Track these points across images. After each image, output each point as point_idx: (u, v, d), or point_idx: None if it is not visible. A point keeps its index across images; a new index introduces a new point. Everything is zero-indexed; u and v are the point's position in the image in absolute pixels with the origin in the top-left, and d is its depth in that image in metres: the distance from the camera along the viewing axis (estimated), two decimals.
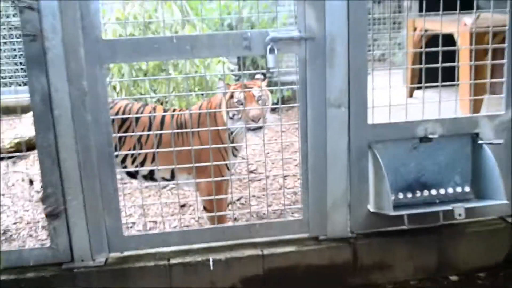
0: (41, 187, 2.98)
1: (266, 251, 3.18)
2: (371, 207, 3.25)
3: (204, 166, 3.69)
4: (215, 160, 3.59)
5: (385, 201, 3.12)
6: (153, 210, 4.61)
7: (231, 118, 3.58)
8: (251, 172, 5.53)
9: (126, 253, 3.18)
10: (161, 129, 3.78)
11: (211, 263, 3.13)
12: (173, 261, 3.12)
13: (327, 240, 3.26)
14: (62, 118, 2.88)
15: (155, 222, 4.34)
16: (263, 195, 4.90)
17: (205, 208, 3.86)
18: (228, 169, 3.76)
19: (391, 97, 3.16)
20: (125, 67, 5.22)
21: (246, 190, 4.94)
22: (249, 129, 3.55)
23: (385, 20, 8.20)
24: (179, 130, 3.74)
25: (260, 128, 3.55)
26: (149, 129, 3.77)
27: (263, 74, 3.73)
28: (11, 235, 4.15)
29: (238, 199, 4.77)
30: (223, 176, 3.70)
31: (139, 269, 3.08)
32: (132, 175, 3.93)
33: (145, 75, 5.35)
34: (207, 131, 3.62)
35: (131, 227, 4.26)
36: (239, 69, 6.53)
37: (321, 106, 3.07)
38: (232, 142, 3.70)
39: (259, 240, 3.27)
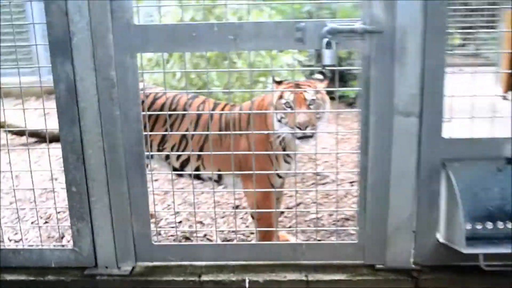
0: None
1: (311, 277, 2.75)
2: (440, 237, 2.72)
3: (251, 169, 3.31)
4: (263, 166, 3.20)
5: (457, 233, 2.58)
6: (204, 209, 4.28)
7: (279, 121, 3.15)
8: (317, 174, 5.07)
9: (154, 263, 2.86)
10: (209, 125, 3.41)
11: (246, 284, 2.74)
12: (204, 277, 2.76)
13: (385, 270, 2.76)
14: (87, 112, 2.59)
15: (202, 223, 4.01)
16: (325, 202, 4.44)
17: (253, 217, 3.47)
18: (280, 177, 3.33)
19: (477, 105, 2.60)
20: (187, 54, 4.90)
21: (307, 195, 4.51)
22: (296, 137, 3.10)
23: (483, 11, 7.35)
24: (225, 132, 3.33)
25: (308, 137, 3.07)
26: (196, 125, 3.43)
27: (323, 73, 3.24)
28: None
29: (298, 205, 4.34)
30: (272, 184, 3.28)
31: (166, 283, 2.76)
32: (181, 168, 3.60)
33: (208, 63, 5.01)
34: (256, 132, 3.23)
35: (175, 226, 3.96)
36: (316, 62, 6.05)
37: (387, 113, 2.57)
38: (284, 148, 3.27)
39: (304, 263, 2.83)
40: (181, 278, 2.75)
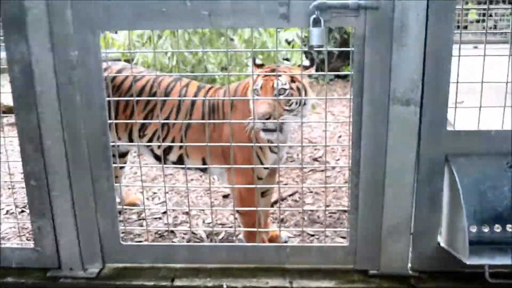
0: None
1: (296, 283, 2.47)
2: (441, 241, 2.43)
3: (236, 159, 3.02)
4: (245, 156, 2.91)
5: (460, 239, 2.28)
6: (192, 198, 4.01)
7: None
8: (315, 160, 4.76)
9: (124, 265, 2.60)
10: (191, 111, 3.11)
11: None
12: (178, 282, 2.50)
13: (378, 276, 2.48)
14: (45, 96, 2.30)
15: (187, 213, 3.74)
16: (323, 191, 4.14)
17: (237, 211, 3.18)
18: (264, 167, 3.03)
19: (489, 90, 2.28)
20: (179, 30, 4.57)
21: (304, 182, 4.20)
22: (260, 129, 2.80)
23: None
24: (199, 121, 3.03)
25: (271, 130, 2.76)
26: (178, 110, 3.13)
27: (311, 58, 2.91)
28: None
29: (291, 195, 4.05)
30: (256, 176, 2.99)
31: (135, 287, 2.49)
32: (160, 159, 3.32)
33: (201, 39, 4.69)
34: (239, 116, 2.93)
35: (159, 217, 3.70)
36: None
37: (383, 101, 2.26)
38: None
39: (289, 267, 2.56)
40: (151, 283, 2.49)
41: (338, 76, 7.89)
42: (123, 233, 3.40)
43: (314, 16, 2.14)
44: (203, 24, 2.23)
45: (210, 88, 3.21)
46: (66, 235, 2.50)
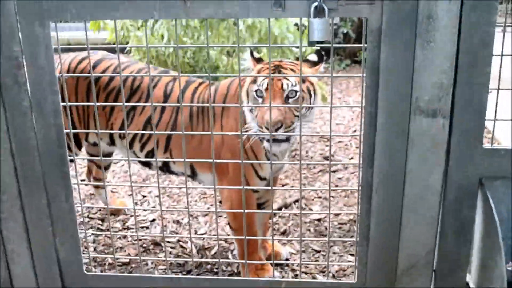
0: None
1: None
2: (471, 281, 1.99)
3: (226, 169, 2.60)
4: (239, 166, 2.48)
5: (496, 279, 1.85)
6: (184, 203, 3.60)
7: (250, 111, 2.41)
8: (326, 158, 4.30)
9: None
10: (177, 108, 2.68)
11: None
12: None
13: None
14: None
15: (179, 222, 3.33)
16: (333, 196, 3.69)
17: (230, 226, 2.77)
18: (261, 178, 2.60)
19: None
20: None
21: (312, 185, 3.75)
22: (263, 140, 2.36)
23: None
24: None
25: (280, 141, 2.32)
26: (162, 109, 2.71)
27: (319, 54, 2.44)
28: None
29: (297, 201, 3.61)
30: (250, 186, 2.57)
31: None
32: (146, 163, 2.90)
33: (201, 23, 4.23)
34: (231, 119, 2.51)
35: (147, 226, 3.30)
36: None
37: (402, 111, 1.81)
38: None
39: None
40: None
41: (355, 61, 7.34)
42: (103, 245, 3.06)
43: (316, 3, 1.68)
44: (177, 13, 1.78)
45: (200, 84, 2.76)
46: (20, 262, 2.11)
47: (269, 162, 2.11)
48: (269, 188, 2.22)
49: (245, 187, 2.30)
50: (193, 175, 2.79)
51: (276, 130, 2.21)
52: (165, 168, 2.83)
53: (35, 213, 2.04)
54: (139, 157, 2.88)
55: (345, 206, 3.53)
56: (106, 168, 3.38)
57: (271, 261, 2.63)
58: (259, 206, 2.87)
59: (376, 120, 1.83)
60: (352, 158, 4.27)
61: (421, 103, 1.78)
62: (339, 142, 4.54)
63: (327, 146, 4.50)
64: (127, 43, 4.46)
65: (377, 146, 1.85)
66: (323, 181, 3.89)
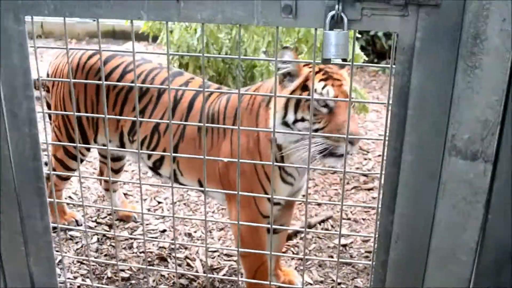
0: None
1: None
2: None
3: (235, 188, 2.31)
4: (248, 186, 2.21)
5: None
6: (201, 213, 3.33)
7: (285, 124, 2.11)
8: (364, 175, 3.94)
9: None
10: (187, 116, 2.42)
11: None
12: None
13: None
14: None
15: (190, 236, 3.07)
16: (364, 218, 3.35)
17: (240, 255, 2.48)
18: (276, 203, 2.30)
19: None
20: None
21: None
22: (327, 155, 2.05)
23: None
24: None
25: (341, 155, 2.08)
26: (172, 115, 2.45)
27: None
28: None
29: (324, 220, 3.29)
30: (260, 213, 2.28)
31: None
32: (155, 171, 2.66)
33: None
34: (243, 135, 2.23)
35: (156, 237, 3.05)
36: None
37: (434, 149, 1.47)
38: (282, 161, 2.25)
39: None
40: None
41: (383, 58, 6.79)
42: (106, 255, 2.84)
43: (333, 12, 1.36)
44: (169, 15, 1.49)
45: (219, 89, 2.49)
46: None
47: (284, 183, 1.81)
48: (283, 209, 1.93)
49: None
50: (203, 190, 2.52)
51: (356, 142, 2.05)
52: (174, 178, 2.57)
53: (6, 229, 1.81)
54: (147, 165, 2.64)
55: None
56: (118, 171, 3.15)
57: None
58: (273, 231, 2.58)
59: (401, 158, 1.49)
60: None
61: (458, 142, 1.43)
62: (379, 156, 4.17)
63: (365, 159, 4.14)
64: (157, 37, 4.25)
65: (400, 189, 1.52)
66: (355, 199, 3.54)
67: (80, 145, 2.27)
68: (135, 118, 1.73)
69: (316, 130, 2.07)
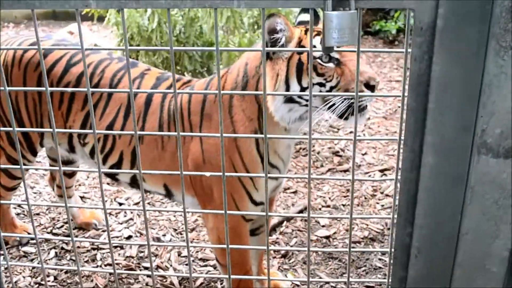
0: None
1: None
2: None
3: (211, 193, 2.04)
4: (229, 188, 1.94)
5: None
6: (167, 215, 3.03)
7: (288, 102, 1.86)
8: (336, 154, 3.71)
9: None
10: (145, 115, 2.10)
11: None
12: None
13: None
14: None
15: (159, 240, 2.78)
16: (344, 204, 3.13)
17: (217, 261, 2.21)
18: (256, 203, 2.04)
19: None
20: None
21: (320, 190, 3.16)
22: (350, 113, 1.81)
23: None
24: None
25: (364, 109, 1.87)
26: (127, 112, 2.13)
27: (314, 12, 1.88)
28: None
29: (302, 210, 3.04)
30: (243, 217, 2.03)
31: None
32: (113, 177, 2.33)
33: None
34: (214, 130, 1.95)
35: (121, 246, 2.74)
36: None
37: (460, 148, 1.22)
38: (268, 153, 1.99)
39: None
40: None
41: (367, 32, 6.58)
42: (66, 272, 2.51)
43: None
44: (121, 1, 1.17)
45: (176, 81, 2.17)
46: None
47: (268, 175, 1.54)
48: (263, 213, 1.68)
49: (233, 213, 1.76)
50: (169, 195, 2.23)
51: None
52: (135, 185, 2.26)
53: None
54: (107, 172, 2.32)
55: (358, 219, 2.96)
56: (72, 175, 2.80)
57: None
58: (253, 232, 2.32)
59: (420, 160, 1.24)
60: (365, 153, 3.68)
61: (489, 138, 1.19)
62: (350, 132, 3.94)
63: (336, 144, 3.90)
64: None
65: (420, 197, 1.27)
66: (332, 183, 3.31)
67: (25, 166, 1.93)
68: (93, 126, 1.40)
69: (330, 91, 1.81)
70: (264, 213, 1.46)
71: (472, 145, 1.21)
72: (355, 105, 1.24)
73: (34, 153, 2.47)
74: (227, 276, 1.56)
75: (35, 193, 3.16)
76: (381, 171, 3.42)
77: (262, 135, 1.35)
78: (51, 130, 1.38)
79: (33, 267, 2.56)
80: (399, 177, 1.28)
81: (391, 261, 1.40)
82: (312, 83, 1.81)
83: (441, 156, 1.23)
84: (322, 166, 3.52)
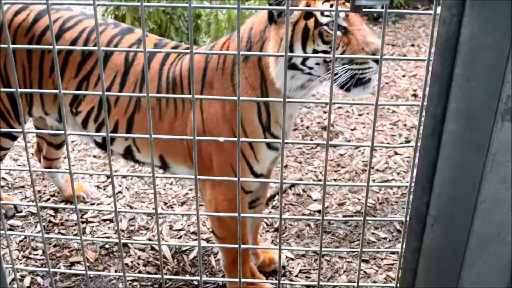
0: None
1: None
2: None
3: (210, 163, 1.99)
4: (225, 159, 1.90)
5: None
6: (160, 188, 2.98)
7: (302, 62, 1.79)
8: (324, 129, 3.69)
9: None
10: (142, 81, 2.03)
11: None
12: None
13: None
14: None
15: (150, 216, 2.73)
16: (335, 178, 3.13)
17: (214, 233, 2.17)
18: (256, 175, 2.00)
19: None
20: None
21: (310, 164, 3.14)
22: (353, 85, 1.77)
23: None
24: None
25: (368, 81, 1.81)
26: (124, 79, 2.06)
27: None
28: None
29: (292, 186, 3.02)
30: (242, 188, 1.99)
31: None
32: (104, 147, 2.27)
33: None
34: (216, 100, 1.90)
35: (111, 219, 2.68)
36: None
37: (483, 116, 1.19)
38: (267, 126, 1.95)
39: None
40: None
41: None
42: (56, 245, 2.44)
43: None
44: None
45: (174, 48, 2.10)
46: None
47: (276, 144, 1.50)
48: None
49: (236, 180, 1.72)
50: (165, 167, 2.17)
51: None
52: (129, 156, 2.20)
53: None
54: (95, 140, 2.25)
55: (350, 193, 2.96)
56: (59, 146, 2.72)
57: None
58: (249, 205, 2.29)
59: (442, 127, 1.21)
60: (354, 129, 3.67)
61: None
62: (339, 108, 3.92)
63: (325, 113, 3.88)
64: None
65: (440, 165, 1.25)
66: (322, 158, 3.29)
67: (26, 131, 1.84)
68: (99, 93, 1.33)
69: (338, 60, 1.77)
70: (277, 180, 1.41)
71: (496, 112, 1.19)
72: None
73: (21, 122, 2.38)
74: (226, 246, 1.51)
75: (19, 165, 3.06)
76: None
77: (280, 100, 1.30)
78: (57, 91, 1.30)
79: (20, 241, 2.49)
80: (418, 144, 1.26)
81: (406, 231, 1.38)
82: (315, 50, 1.77)
83: (464, 123, 1.20)
84: (311, 140, 3.50)
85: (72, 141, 3.30)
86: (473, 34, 1.12)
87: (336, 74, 1.76)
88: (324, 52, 1.78)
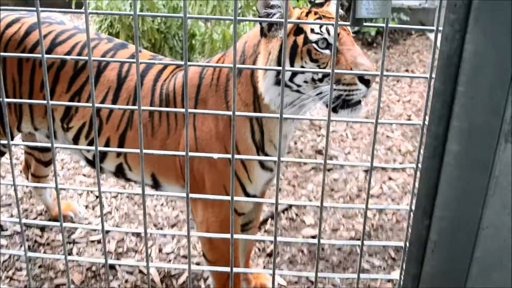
0: None
1: None
2: None
3: (202, 183, 1.94)
4: (218, 178, 1.85)
5: None
6: (147, 209, 2.91)
7: (290, 78, 1.75)
8: (319, 152, 3.64)
9: None
10: (134, 99, 1.99)
11: None
12: None
13: None
14: None
15: (139, 235, 2.65)
16: (329, 201, 3.06)
17: (205, 256, 2.10)
18: (248, 195, 1.95)
19: None
20: None
21: (304, 188, 3.08)
22: (339, 106, 1.72)
23: None
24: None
25: (359, 103, 1.76)
26: (116, 95, 2.01)
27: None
28: None
29: (285, 210, 2.96)
30: (235, 210, 1.94)
31: None
32: (94, 164, 2.21)
33: None
34: (211, 116, 1.86)
35: (99, 240, 2.61)
36: None
37: (486, 136, 1.15)
38: (261, 145, 1.90)
39: None
40: None
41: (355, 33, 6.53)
42: (40, 266, 2.35)
43: None
44: None
45: (166, 66, 2.06)
46: None
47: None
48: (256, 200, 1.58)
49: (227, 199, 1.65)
50: (156, 186, 2.12)
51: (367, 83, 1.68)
52: (120, 174, 2.14)
53: None
54: (86, 157, 2.19)
55: (344, 218, 2.90)
56: (48, 163, 2.66)
57: None
58: (242, 228, 2.23)
59: (444, 148, 1.17)
60: (349, 153, 3.62)
61: None
62: (333, 132, 3.89)
63: (319, 136, 3.84)
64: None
65: (442, 187, 1.20)
66: (316, 182, 3.24)
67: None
68: (88, 105, 1.28)
69: (322, 80, 1.72)
70: (272, 200, 1.36)
71: (499, 132, 1.15)
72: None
73: (11, 138, 2.32)
74: (214, 269, 1.45)
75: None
76: (365, 171, 3.37)
77: (276, 115, 1.25)
78: (45, 102, 1.25)
79: (4, 261, 2.41)
80: (419, 165, 1.21)
81: (405, 257, 1.32)
82: (302, 67, 1.73)
83: (467, 143, 1.16)
84: (305, 164, 3.45)
85: (62, 160, 3.24)
86: (476, 51, 1.08)
87: (321, 93, 1.73)
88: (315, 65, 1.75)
